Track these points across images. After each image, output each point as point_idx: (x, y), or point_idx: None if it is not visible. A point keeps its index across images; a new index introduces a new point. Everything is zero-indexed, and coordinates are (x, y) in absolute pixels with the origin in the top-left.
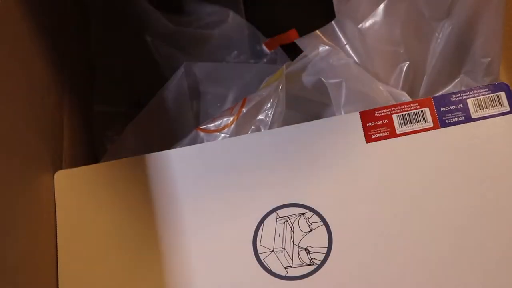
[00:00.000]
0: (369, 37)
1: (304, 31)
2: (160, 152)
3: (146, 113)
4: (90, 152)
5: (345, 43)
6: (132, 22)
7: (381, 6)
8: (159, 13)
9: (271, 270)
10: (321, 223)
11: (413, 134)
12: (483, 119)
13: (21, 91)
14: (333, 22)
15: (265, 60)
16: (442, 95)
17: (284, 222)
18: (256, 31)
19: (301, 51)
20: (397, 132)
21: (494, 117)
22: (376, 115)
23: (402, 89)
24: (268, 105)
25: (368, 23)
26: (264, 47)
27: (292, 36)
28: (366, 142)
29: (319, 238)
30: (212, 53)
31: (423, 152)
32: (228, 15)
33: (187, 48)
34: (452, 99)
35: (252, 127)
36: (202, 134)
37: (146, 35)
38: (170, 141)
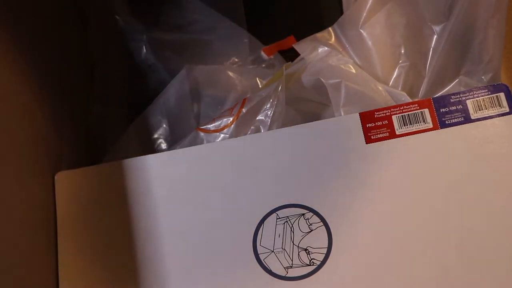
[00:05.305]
0: (370, 39)
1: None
2: (160, 153)
3: (148, 114)
4: (90, 153)
5: (346, 45)
6: (130, 24)
7: (383, 9)
8: (157, 17)
9: (271, 270)
10: (321, 223)
11: (413, 135)
12: (483, 120)
13: (19, 91)
14: (334, 24)
15: (263, 65)
16: (441, 96)
17: (284, 223)
18: (253, 38)
19: (299, 56)
20: (397, 133)
21: (494, 118)
22: (376, 116)
23: (402, 90)
24: (268, 106)
25: (370, 26)
26: (263, 53)
27: (291, 42)
28: (366, 143)
29: (319, 238)
30: (210, 59)
31: (422, 152)
32: (225, 22)
33: (184, 53)
34: (452, 100)
35: (252, 127)
36: (202, 134)
37: (144, 38)
38: (171, 142)
